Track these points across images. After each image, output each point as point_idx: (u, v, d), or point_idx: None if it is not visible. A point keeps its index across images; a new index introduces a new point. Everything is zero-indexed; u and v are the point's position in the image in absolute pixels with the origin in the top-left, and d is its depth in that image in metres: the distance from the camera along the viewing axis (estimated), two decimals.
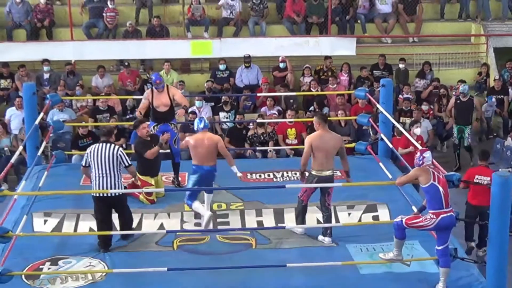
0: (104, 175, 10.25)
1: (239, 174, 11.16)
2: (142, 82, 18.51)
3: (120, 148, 10.48)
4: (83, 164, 10.55)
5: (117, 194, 10.27)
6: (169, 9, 20.44)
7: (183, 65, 19.49)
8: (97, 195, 10.28)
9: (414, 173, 9.24)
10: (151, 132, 12.05)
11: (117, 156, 10.30)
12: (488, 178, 11.68)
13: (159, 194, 11.90)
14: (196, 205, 11.01)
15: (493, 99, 18.03)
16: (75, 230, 11.03)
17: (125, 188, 11.00)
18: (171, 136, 12.15)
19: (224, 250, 10.36)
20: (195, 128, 11.18)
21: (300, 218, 10.79)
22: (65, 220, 11.25)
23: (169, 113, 12.39)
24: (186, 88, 18.02)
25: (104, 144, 10.38)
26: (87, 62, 19.11)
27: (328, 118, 16.16)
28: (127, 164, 10.45)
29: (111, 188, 10.21)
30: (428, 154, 9.20)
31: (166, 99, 12.38)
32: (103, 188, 10.21)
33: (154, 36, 19.28)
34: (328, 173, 10.52)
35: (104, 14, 19.49)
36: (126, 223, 10.65)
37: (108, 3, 19.50)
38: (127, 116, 17.27)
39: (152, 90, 12.42)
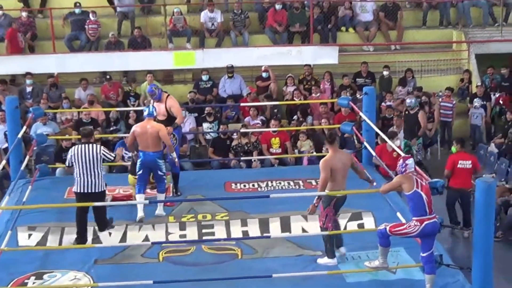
0: (88, 173, 10.73)
1: (174, 155, 12.01)
2: (125, 94, 18.46)
3: (101, 147, 10.98)
4: (67, 165, 11.08)
5: (98, 191, 10.79)
6: (151, 20, 20.41)
7: (166, 76, 19.48)
8: (80, 191, 10.78)
9: (397, 180, 9.25)
10: None
11: (100, 155, 10.78)
12: (470, 162, 13.13)
13: None
14: (138, 198, 11.66)
15: (477, 103, 18.04)
16: (60, 243, 10.98)
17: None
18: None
19: (210, 261, 10.35)
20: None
21: (330, 248, 10.14)
22: (49, 234, 11.22)
23: (167, 123, 12.41)
24: None
25: (86, 145, 10.84)
26: (70, 74, 19.07)
27: (312, 127, 16.42)
28: (112, 158, 11.05)
29: (93, 186, 10.75)
30: (410, 161, 9.21)
31: (163, 109, 12.49)
32: (85, 186, 10.73)
33: (136, 47, 19.26)
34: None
35: (86, 26, 19.46)
36: (100, 217, 10.98)
37: (90, 15, 19.48)
38: (111, 128, 17.21)
39: (153, 101, 12.74)
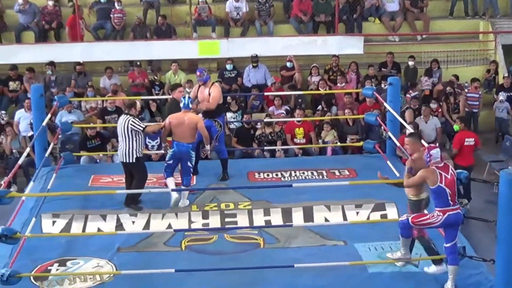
0: (122, 143, 11.56)
1: (207, 148, 12.09)
2: (150, 83, 18.50)
3: (131, 118, 11.48)
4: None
5: (130, 161, 11.55)
6: (176, 9, 20.42)
7: (191, 65, 19.46)
8: (119, 160, 11.91)
9: (420, 175, 9.11)
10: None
11: (128, 126, 11.38)
12: (473, 139, 13.87)
13: None
14: (169, 181, 11.75)
15: (502, 97, 17.90)
16: (83, 230, 11.05)
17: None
18: (213, 133, 12.52)
19: (232, 250, 10.36)
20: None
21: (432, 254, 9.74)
22: (73, 221, 11.29)
23: (211, 109, 12.57)
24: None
25: (123, 115, 11.67)
26: (95, 63, 19.13)
27: (336, 117, 16.36)
28: (142, 128, 11.47)
29: (125, 155, 11.54)
30: (435, 152, 9.10)
31: (207, 94, 12.58)
32: (120, 155, 11.62)
33: (161, 36, 19.29)
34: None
35: (111, 15, 19.52)
36: (135, 186, 11.50)
37: (116, 4, 19.54)
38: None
39: (199, 85, 12.81)
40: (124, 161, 11.63)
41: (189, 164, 11.78)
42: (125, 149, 11.54)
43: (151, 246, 10.51)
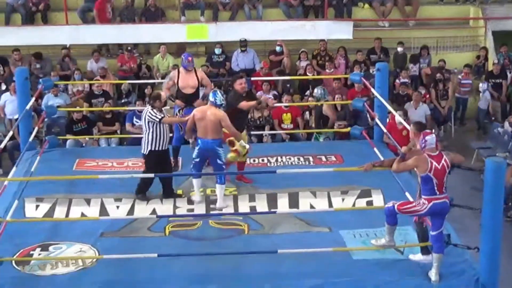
0: (143, 133, 11.26)
1: (247, 146, 11.35)
2: (138, 67, 18.41)
3: (150, 110, 11.11)
4: None
5: (145, 152, 11.26)
6: None
7: (179, 49, 19.36)
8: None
9: (412, 162, 9.04)
10: (179, 116, 12.20)
11: (146, 117, 11.11)
12: None
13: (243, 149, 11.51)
14: (195, 183, 11.32)
15: (484, 85, 17.92)
16: (67, 215, 10.96)
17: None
18: None
19: (216, 236, 10.29)
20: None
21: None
22: (57, 206, 11.19)
23: (195, 96, 12.36)
24: None
25: (147, 106, 11.36)
26: (82, 46, 19.03)
27: (324, 102, 16.30)
28: (159, 118, 11.07)
29: (143, 147, 11.28)
30: (430, 138, 8.99)
31: (194, 80, 12.33)
32: (142, 144, 11.33)
33: (148, 19, 19.17)
34: None
35: None
36: (163, 182, 11.43)
37: None
38: (122, 101, 17.19)
39: (178, 71, 12.43)
40: (142, 151, 11.36)
41: (218, 161, 11.14)
42: (143, 140, 11.27)
43: (134, 231, 10.43)
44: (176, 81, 12.38)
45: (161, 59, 18.40)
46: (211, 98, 11.04)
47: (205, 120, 10.97)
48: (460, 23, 20.43)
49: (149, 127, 11.11)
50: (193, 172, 11.38)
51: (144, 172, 11.40)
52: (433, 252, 9.19)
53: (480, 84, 18.03)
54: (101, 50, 19.06)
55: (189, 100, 12.31)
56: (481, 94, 17.94)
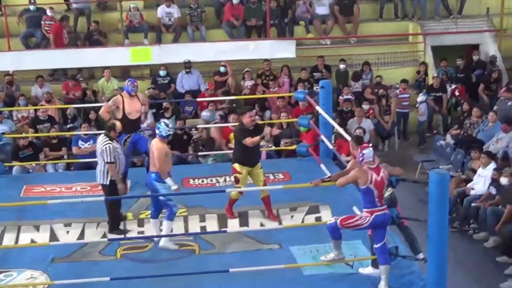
0: (98, 163, 10.98)
1: (173, 187, 10.55)
2: (82, 91, 18.32)
3: (108, 144, 10.81)
4: None
5: (104, 183, 10.96)
6: (107, 16, 20.36)
7: (123, 72, 19.38)
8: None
9: (353, 174, 9.23)
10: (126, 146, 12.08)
11: (101, 150, 10.82)
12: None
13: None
14: (152, 225, 10.92)
15: (420, 97, 18.25)
16: (16, 242, 10.91)
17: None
18: (143, 146, 12.15)
19: (167, 257, 10.32)
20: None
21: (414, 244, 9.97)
22: (5, 233, 11.13)
23: (139, 121, 12.36)
24: None
25: (101, 135, 11.10)
26: (26, 72, 18.90)
27: (270, 121, 16.43)
28: (107, 160, 10.81)
29: (100, 176, 10.97)
30: (367, 151, 9.14)
31: (138, 105, 12.34)
32: (96, 175, 11.04)
33: (92, 43, 19.14)
34: None
35: (42, 22, 19.29)
36: (108, 211, 11.10)
37: (48, 11, 19.33)
38: (68, 126, 17.11)
39: (122, 97, 12.32)
40: (98, 182, 11.08)
41: (160, 197, 10.53)
42: (99, 170, 10.95)
43: (86, 255, 10.41)
44: (121, 106, 12.31)
45: (106, 83, 18.36)
46: (156, 130, 10.68)
47: (151, 153, 10.71)
48: (400, 39, 20.74)
49: (100, 159, 10.96)
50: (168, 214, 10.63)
51: (109, 203, 11.02)
52: (379, 263, 9.33)
53: (418, 97, 18.31)
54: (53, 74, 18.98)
55: (136, 127, 12.31)
56: (417, 105, 18.21)
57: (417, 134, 18.34)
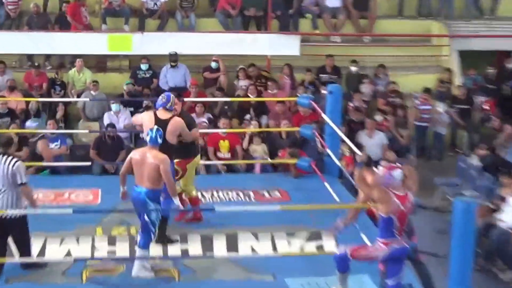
0: (1, 191, 10.09)
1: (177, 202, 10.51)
2: (49, 83, 18.24)
3: (19, 162, 10.14)
4: None
5: (14, 216, 10.08)
6: None
7: (99, 63, 19.35)
8: None
9: (379, 196, 9.03)
10: None
11: (13, 172, 10.01)
12: None
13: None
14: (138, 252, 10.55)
15: (440, 107, 18.25)
16: None
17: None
18: None
19: (141, 283, 10.23)
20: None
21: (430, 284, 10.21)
22: None
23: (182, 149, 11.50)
24: (102, 89, 17.83)
25: (1, 156, 10.11)
26: None
27: (268, 129, 16.38)
28: (19, 182, 10.03)
29: (7, 208, 10.03)
30: (397, 173, 9.04)
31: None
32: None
33: (63, 26, 19.09)
34: None
35: (4, 1, 19.26)
36: (24, 250, 10.45)
37: None
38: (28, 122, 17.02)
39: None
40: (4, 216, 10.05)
41: (146, 218, 10.22)
42: (7, 199, 10.09)
43: (47, 276, 10.32)
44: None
45: (77, 74, 18.29)
46: (147, 137, 10.33)
47: (144, 164, 10.25)
48: (421, 40, 20.75)
49: (17, 185, 10.12)
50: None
51: (21, 241, 10.41)
52: None
53: (438, 103, 18.25)
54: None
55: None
56: (438, 115, 18.16)
57: (434, 148, 18.31)
